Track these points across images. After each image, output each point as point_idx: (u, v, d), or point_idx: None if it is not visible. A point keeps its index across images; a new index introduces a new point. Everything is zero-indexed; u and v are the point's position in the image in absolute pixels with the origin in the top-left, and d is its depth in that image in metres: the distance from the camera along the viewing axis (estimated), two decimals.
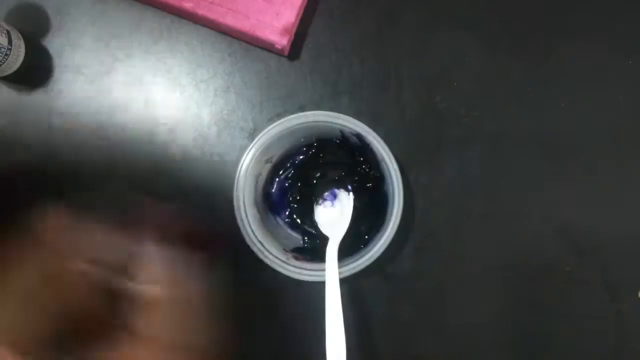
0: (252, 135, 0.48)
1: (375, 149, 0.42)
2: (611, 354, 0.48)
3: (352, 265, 0.41)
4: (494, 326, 0.48)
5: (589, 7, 0.50)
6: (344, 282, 0.39)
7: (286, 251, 0.43)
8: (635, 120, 0.50)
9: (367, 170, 0.45)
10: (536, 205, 0.49)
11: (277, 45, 0.46)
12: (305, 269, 0.41)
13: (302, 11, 0.47)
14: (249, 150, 0.42)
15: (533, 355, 0.48)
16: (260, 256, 0.41)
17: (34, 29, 0.47)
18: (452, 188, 0.48)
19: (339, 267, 0.40)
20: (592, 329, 0.48)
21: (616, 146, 0.49)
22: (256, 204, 0.44)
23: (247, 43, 0.48)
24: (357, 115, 0.42)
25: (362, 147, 0.43)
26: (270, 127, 0.42)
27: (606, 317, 0.48)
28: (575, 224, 0.49)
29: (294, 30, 0.47)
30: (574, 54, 0.50)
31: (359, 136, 0.42)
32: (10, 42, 0.44)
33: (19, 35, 0.45)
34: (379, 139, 0.41)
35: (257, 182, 0.44)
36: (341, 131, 0.43)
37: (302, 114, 0.41)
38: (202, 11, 0.45)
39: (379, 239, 0.41)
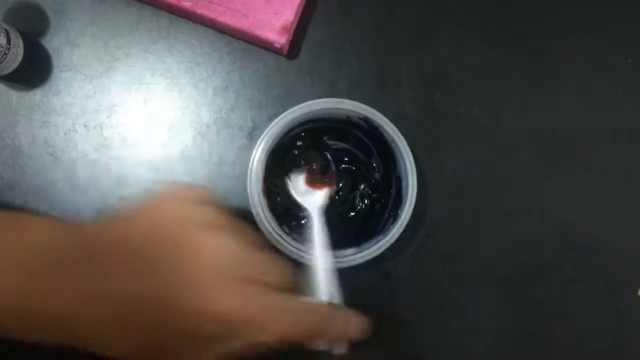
0: (251, 134, 0.47)
1: (383, 131, 0.42)
2: (611, 354, 0.48)
3: (381, 243, 0.40)
4: (493, 326, 0.48)
5: (589, 6, 0.50)
6: (347, 275, 0.39)
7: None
8: (635, 119, 0.50)
9: (375, 153, 0.45)
10: (536, 204, 0.49)
11: (276, 44, 0.46)
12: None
13: (301, 10, 0.47)
14: (258, 147, 0.41)
15: (533, 355, 0.48)
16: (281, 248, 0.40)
17: (32, 28, 0.47)
18: (451, 187, 0.48)
19: (364, 248, 0.40)
20: (592, 329, 0.48)
21: (616, 146, 0.49)
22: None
23: (246, 42, 0.48)
24: None
25: (370, 131, 0.43)
26: (278, 119, 0.41)
27: (606, 317, 0.48)
28: (575, 223, 0.49)
29: (293, 28, 0.47)
30: (574, 53, 0.50)
31: (366, 120, 0.42)
32: (9, 41, 0.44)
33: (18, 34, 0.45)
34: (386, 120, 0.41)
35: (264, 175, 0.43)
36: (348, 117, 0.43)
37: (307, 103, 0.40)
38: (201, 10, 0.45)
39: (400, 216, 0.41)
